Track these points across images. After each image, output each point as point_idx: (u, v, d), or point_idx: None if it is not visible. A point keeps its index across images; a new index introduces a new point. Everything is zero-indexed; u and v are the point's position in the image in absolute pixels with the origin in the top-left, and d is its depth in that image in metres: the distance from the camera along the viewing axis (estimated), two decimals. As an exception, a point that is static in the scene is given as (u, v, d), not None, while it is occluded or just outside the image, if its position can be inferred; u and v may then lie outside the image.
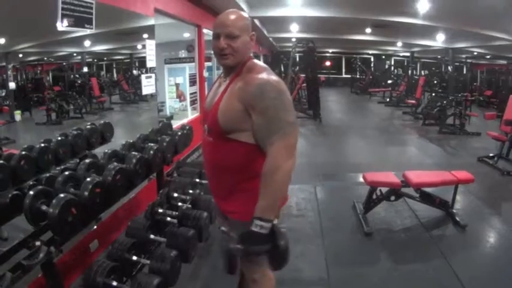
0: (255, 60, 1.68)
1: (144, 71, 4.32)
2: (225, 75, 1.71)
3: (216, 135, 1.64)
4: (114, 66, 6.29)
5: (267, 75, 1.57)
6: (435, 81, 16.25)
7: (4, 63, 3.11)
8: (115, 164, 2.44)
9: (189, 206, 3.10)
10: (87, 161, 2.56)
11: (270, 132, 1.51)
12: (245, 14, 1.66)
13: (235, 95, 1.56)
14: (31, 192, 1.96)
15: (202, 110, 1.76)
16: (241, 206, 1.69)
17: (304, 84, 11.46)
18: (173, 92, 6.96)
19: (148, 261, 2.40)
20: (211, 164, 1.74)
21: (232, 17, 1.60)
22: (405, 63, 22.06)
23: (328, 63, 25.40)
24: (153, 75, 4.36)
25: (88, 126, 3.09)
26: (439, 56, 19.59)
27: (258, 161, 1.58)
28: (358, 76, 21.44)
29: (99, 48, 4.77)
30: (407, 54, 21.20)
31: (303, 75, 11.71)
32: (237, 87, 1.57)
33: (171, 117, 5.64)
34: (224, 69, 1.71)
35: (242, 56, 1.63)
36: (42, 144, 2.56)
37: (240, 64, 1.64)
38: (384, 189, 3.84)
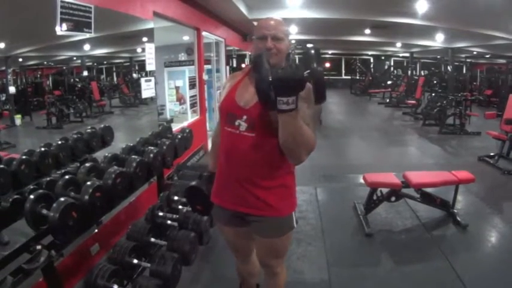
0: None
1: (143, 75, 4.32)
2: None
3: (262, 129, 1.65)
4: (114, 69, 6.29)
5: None
6: (435, 81, 16.25)
7: (4, 68, 3.11)
8: (115, 167, 2.44)
9: (190, 209, 3.09)
10: (87, 164, 2.56)
11: (310, 122, 1.64)
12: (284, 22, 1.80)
13: None
14: (31, 196, 1.96)
15: (229, 106, 1.76)
16: (276, 201, 1.74)
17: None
18: (173, 95, 6.98)
19: (149, 265, 2.40)
20: (243, 161, 1.70)
21: (277, 22, 1.75)
22: (405, 64, 22.10)
23: (327, 65, 25.40)
24: (152, 78, 4.37)
25: (88, 130, 3.09)
26: (438, 56, 19.61)
27: None
28: (357, 77, 21.46)
29: (99, 52, 4.77)
30: (407, 54, 21.22)
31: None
32: None
33: (171, 121, 5.65)
34: None
35: (282, 58, 1.73)
36: (43, 149, 2.56)
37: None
38: (385, 190, 3.84)
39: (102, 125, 3.28)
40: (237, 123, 1.70)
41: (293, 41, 12.50)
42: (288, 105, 1.43)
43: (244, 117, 1.68)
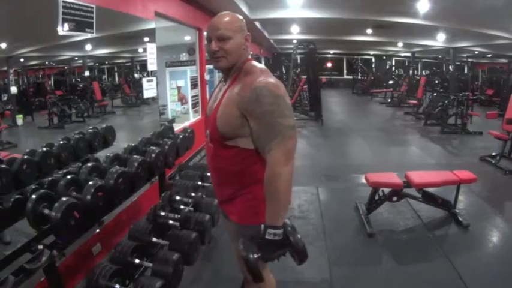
0: (254, 62, 1.65)
1: (145, 75, 4.33)
2: (224, 79, 1.71)
3: (216, 141, 1.63)
4: (115, 69, 6.30)
5: (264, 78, 1.52)
6: (436, 81, 16.23)
7: (6, 68, 3.12)
8: (117, 167, 2.45)
9: (191, 209, 3.09)
10: (89, 164, 2.57)
11: (268, 138, 1.49)
12: (238, 16, 1.64)
13: (233, 100, 1.54)
14: (33, 196, 1.96)
15: (204, 114, 1.80)
16: (242, 210, 1.70)
17: (306, 86, 11.47)
18: (175, 95, 6.97)
19: (150, 264, 2.40)
20: (213, 169, 1.77)
21: (224, 19, 1.58)
22: (406, 64, 22.03)
23: (329, 65, 25.39)
24: (154, 78, 4.37)
25: (90, 130, 3.09)
26: (440, 56, 19.57)
27: (257, 167, 1.58)
28: (359, 77, 21.43)
29: (101, 52, 4.78)
30: (408, 54, 21.18)
31: (304, 76, 11.72)
32: (235, 92, 1.55)
33: (172, 121, 5.65)
34: (222, 72, 1.70)
35: (236, 58, 1.60)
36: (45, 148, 2.57)
37: (237, 66, 1.62)
38: (386, 190, 3.83)
39: (104, 125, 3.29)
40: (207, 132, 1.71)
41: (294, 41, 12.50)
42: (275, 235, 1.52)
43: (210, 126, 1.67)
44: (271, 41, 15.00)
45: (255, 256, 1.50)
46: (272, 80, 1.54)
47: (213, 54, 1.58)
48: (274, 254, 1.54)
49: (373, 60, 23.90)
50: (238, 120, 1.53)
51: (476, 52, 17.03)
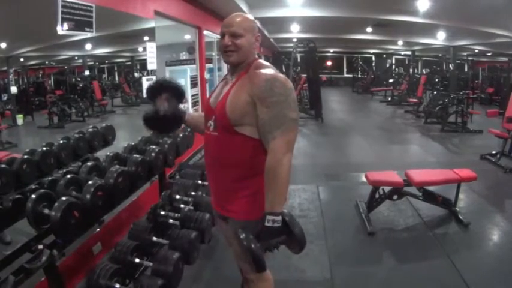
0: (262, 60, 1.75)
1: (145, 74, 4.32)
2: (231, 74, 1.76)
3: (222, 128, 1.66)
4: (115, 69, 6.29)
5: (276, 73, 1.64)
6: (436, 80, 16.20)
7: (5, 68, 3.12)
8: (117, 166, 2.45)
9: (191, 208, 3.10)
10: (89, 164, 2.57)
11: (273, 126, 1.56)
12: (250, 17, 1.76)
13: (244, 88, 1.61)
14: (33, 196, 1.97)
15: (206, 108, 1.82)
16: (243, 205, 1.70)
17: (306, 84, 11.46)
18: (174, 94, 6.96)
19: (151, 264, 2.40)
20: (214, 161, 1.75)
21: (238, 18, 1.69)
22: (406, 62, 22.02)
23: (329, 63, 25.39)
24: (154, 77, 4.36)
25: (90, 130, 3.10)
26: (440, 54, 19.54)
27: (261, 158, 1.60)
28: (359, 75, 21.42)
29: (100, 51, 4.77)
30: (409, 52, 21.20)
31: (304, 75, 11.71)
32: (246, 81, 1.63)
33: (172, 119, 5.63)
34: (230, 68, 1.77)
35: (246, 55, 1.69)
36: (44, 148, 2.57)
37: (245, 63, 1.70)
38: (387, 189, 3.83)
39: (103, 124, 3.30)
40: (208, 124, 1.74)
41: (294, 39, 12.49)
42: (274, 221, 1.55)
43: (213, 117, 1.70)
44: (271, 39, 14.99)
45: (258, 245, 1.52)
46: (282, 75, 1.65)
47: (225, 48, 1.67)
48: (272, 241, 1.57)
49: (373, 58, 23.84)
50: (248, 107, 1.59)
51: (476, 50, 17.05)
